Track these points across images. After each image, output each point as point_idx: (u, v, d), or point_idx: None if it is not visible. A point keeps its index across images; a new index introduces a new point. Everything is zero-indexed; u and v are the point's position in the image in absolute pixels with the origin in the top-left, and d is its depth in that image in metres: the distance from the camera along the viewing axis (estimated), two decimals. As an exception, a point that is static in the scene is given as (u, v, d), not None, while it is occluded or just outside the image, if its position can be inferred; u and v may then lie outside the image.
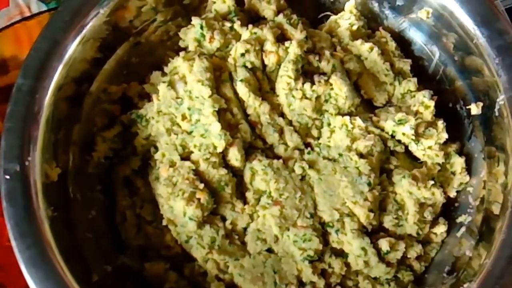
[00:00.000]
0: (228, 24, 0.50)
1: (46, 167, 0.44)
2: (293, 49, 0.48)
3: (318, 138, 0.48)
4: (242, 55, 0.48)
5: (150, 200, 0.48)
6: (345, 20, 0.51)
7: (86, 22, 0.47)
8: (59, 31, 0.46)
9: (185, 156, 0.47)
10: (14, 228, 0.43)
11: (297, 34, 0.50)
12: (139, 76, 0.50)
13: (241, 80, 0.48)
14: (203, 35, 0.49)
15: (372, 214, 0.46)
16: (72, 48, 0.46)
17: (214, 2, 0.51)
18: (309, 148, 0.48)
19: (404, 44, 0.52)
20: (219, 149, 0.47)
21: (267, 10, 0.51)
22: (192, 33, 0.49)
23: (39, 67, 0.45)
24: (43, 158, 0.44)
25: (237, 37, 0.49)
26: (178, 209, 0.46)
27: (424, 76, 0.51)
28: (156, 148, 0.49)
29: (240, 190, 0.47)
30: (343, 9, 0.51)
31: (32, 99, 0.45)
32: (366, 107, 0.49)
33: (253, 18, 0.51)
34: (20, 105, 0.44)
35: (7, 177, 0.43)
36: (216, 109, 0.46)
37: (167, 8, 0.50)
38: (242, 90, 0.48)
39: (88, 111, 0.48)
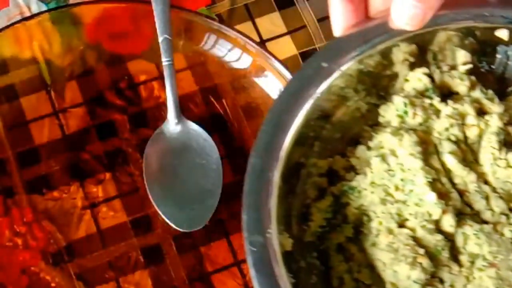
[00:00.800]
0: (427, 101, 0.54)
1: (281, 237, 0.48)
2: (495, 122, 0.52)
3: None
4: (446, 129, 0.52)
5: (366, 265, 0.51)
6: None
7: (303, 105, 0.51)
8: (281, 113, 0.51)
9: (401, 224, 0.51)
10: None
11: (495, 107, 0.54)
12: (339, 150, 0.55)
13: (449, 152, 0.52)
14: (406, 112, 0.53)
15: None
16: (293, 129, 0.51)
17: (407, 80, 0.55)
18: (514, 213, 0.52)
19: None
20: (435, 217, 0.50)
21: (461, 86, 0.55)
22: (393, 110, 0.54)
23: (268, 148, 0.50)
24: (279, 230, 0.48)
25: (437, 112, 0.53)
26: (402, 273, 0.49)
27: None
28: (368, 216, 0.52)
29: (453, 253, 0.50)
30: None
31: (264, 176, 0.49)
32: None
33: (444, 93, 0.55)
34: (256, 183, 0.49)
35: (253, 248, 0.47)
36: (430, 180, 0.50)
37: (361, 89, 0.54)
38: (451, 161, 0.51)
39: (302, 185, 0.52)
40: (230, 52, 0.69)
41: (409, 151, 0.51)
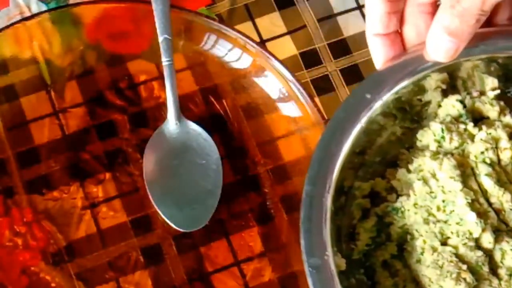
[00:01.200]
0: (462, 126, 0.58)
1: (336, 259, 0.52)
2: None
3: None
4: (482, 152, 0.57)
5: (411, 280, 0.56)
6: None
7: (349, 134, 0.55)
8: (330, 142, 0.55)
9: (443, 242, 0.55)
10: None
11: None
12: (379, 172, 0.59)
13: (486, 175, 0.56)
14: (443, 137, 0.57)
15: None
16: (341, 157, 0.55)
17: (441, 106, 0.59)
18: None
19: None
20: (475, 235, 0.54)
21: (491, 112, 0.59)
22: (431, 135, 0.58)
23: (319, 175, 0.54)
24: (333, 251, 0.52)
25: (471, 136, 0.58)
26: None
27: None
28: (411, 235, 0.57)
29: (492, 268, 0.55)
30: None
31: (318, 202, 0.53)
32: None
33: (476, 117, 0.60)
34: (310, 209, 0.53)
35: (313, 270, 0.51)
36: (469, 200, 0.54)
37: (397, 115, 0.59)
38: (488, 183, 0.56)
39: (348, 207, 0.57)
40: (230, 52, 0.70)
41: (449, 175, 0.55)
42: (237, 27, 0.73)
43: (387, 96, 0.57)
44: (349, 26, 0.75)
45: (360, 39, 0.74)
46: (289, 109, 0.69)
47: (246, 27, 0.74)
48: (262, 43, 0.74)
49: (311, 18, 0.75)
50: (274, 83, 0.69)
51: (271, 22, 0.75)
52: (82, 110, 0.69)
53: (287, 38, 0.74)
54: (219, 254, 0.66)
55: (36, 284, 0.64)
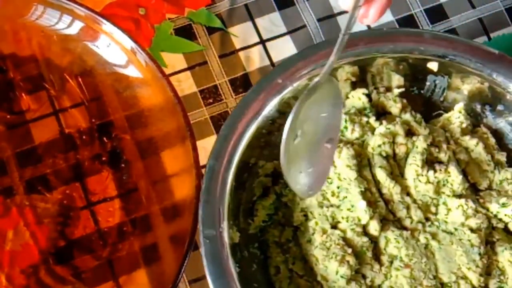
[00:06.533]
0: (364, 119, 0.65)
1: (231, 232, 0.58)
2: (420, 143, 0.64)
3: (436, 214, 0.63)
4: (379, 146, 0.63)
5: (300, 258, 0.63)
6: (456, 118, 0.66)
7: (257, 115, 0.60)
8: (237, 120, 0.59)
9: (334, 225, 0.62)
10: (214, 282, 0.56)
11: (422, 130, 0.66)
12: None
13: (380, 167, 0.62)
14: (346, 127, 0.63)
15: (482, 278, 0.61)
16: (247, 136, 0.59)
17: (348, 98, 0.65)
18: (429, 222, 0.63)
19: (499, 138, 0.67)
20: (363, 222, 0.61)
21: (394, 108, 0.66)
22: None
23: (224, 151, 0.58)
24: (229, 224, 0.58)
25: (372, 129, 0.65)
26: (332, 268, 0.60)
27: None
28: (306, 216, 0.63)
29: (375, 253, 0.62)
30: (450, 107, 0.67)
31: (220, 177, 0.57)
32: (471, 189, 0.65)
33: (379, 111, 0.66)
34: (212, 182, 0.57)
35: (207, 240, 0.56)
36: (362, 189, 0.61)
37: None
38: (381, 174, 0.62)
39: (250, 183, 0.63)
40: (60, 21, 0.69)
41: (346, 163, 0.61)
42: (237, 27, 0.76)
43: (298, 83, 0.60)
44: (349, 26, 0.76)
45: (360, 39, 0.75)
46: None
47: (246, 27, 0.76)
48: (262, 42, 0.75)
49: (311, 18, 0.76)
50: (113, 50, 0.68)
51: (271, 22, 0.76)
52: (82, 110, 0.70)
53: (287, 38, 0.76)
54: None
55: (36, 284, 0.64)
